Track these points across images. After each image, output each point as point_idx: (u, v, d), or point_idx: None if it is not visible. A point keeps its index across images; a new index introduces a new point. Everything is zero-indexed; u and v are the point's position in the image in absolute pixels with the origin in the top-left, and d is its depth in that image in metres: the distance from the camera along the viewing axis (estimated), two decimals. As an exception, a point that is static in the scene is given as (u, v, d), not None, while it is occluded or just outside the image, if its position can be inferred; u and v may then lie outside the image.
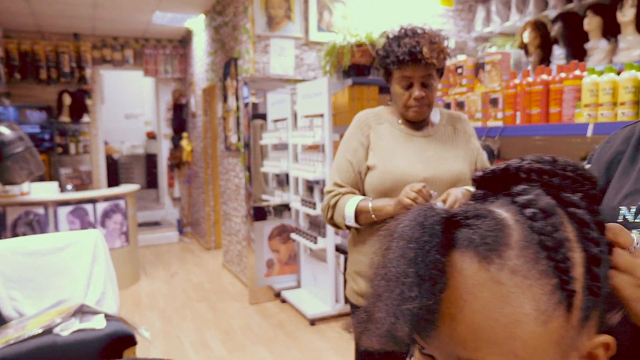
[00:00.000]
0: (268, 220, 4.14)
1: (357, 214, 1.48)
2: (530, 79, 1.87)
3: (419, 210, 0.43)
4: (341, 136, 3.55)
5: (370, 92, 3.52)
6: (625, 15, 2.65)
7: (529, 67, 2.33)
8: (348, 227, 1.54)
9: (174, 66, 7.20)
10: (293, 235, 3.91)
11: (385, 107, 1.62)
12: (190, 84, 6.97)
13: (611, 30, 2.83)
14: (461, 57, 2.46)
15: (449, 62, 2.33)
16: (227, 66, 4.86)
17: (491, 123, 2.04)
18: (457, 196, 1.34)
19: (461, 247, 0.41)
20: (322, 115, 3.43)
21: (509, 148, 2.29)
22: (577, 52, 3.02)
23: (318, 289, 3.79)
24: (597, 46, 2.89)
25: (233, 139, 4.85)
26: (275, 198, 4.24)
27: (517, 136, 2.19)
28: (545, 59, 3.22)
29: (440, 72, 1.52)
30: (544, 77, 1.82)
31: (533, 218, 0.41)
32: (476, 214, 0.42)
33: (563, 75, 1.76)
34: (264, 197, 4.31)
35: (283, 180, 4.30)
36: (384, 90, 3.62)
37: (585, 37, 2.93)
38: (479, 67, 2.15)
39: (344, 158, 1.57)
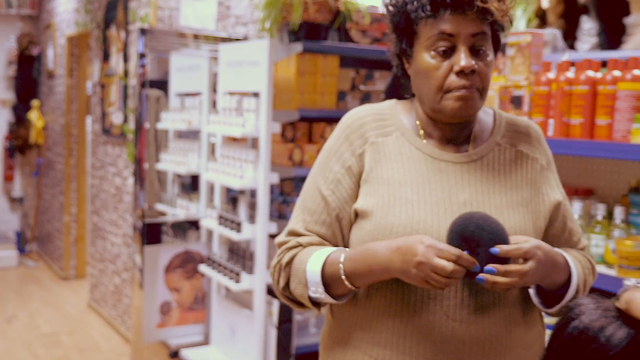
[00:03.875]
0: (165, 244, 4.05)
1: (327, 275, 1.30)
2: (570, 75, 1.93)
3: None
4: (283, 128, 3.53)
5: (328, 63, 3.52)
6: (682, -15, 2.81)
7: (566, 56, 2.41)
8: (316, 305, 1.36)
9: (23, -2, 6.94)
10: (203, 268, 3.84)
11: (398, 103, 1.44)
12: (47, 27, 6.73)
13: (661, 4, 2.99)
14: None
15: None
16: (112, 8, 4.73)
17: (511, 131, 2.10)
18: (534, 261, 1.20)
19: None
20: (257, 95, 3.39)
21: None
22: (613, 28, 3.16)
23: (237, 348, 3.75)
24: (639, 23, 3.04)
25: (116, 118, 4.73)
26: (177, 211, 4.16)
27: (548, 153, 2.25)
28: (569, 34, 3.36)
29: (498, 39, 1.34)
30: (590, 73, 1.89)
31: None
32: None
33: (617, 73, 1.83)
34: (160, 207, 4.23)
35: (190, 186, 4.23)
36: (346, 62, 3.63)
37: (625, 9, 3.08)
38: (497, 49, 2.21)
39: (316, 190, 1.39)
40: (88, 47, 5.72)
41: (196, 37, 4.03)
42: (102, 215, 5.18)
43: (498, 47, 1.35)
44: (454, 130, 1.36)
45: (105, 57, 4.94)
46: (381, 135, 1.37)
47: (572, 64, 2.01)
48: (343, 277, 1.28)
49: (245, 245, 3.62)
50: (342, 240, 1.39)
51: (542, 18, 3.48)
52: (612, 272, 1.87)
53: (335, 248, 1.35)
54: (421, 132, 1.38)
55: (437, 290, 1.25)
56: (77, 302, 5.59)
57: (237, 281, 3.47)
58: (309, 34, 3.46)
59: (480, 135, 1.39)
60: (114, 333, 4.79)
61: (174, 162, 4.10)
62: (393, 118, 1.40)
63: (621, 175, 2.12)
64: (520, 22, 3.56)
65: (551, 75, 1.98)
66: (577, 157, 2.20)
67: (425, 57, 1.29)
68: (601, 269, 1.92)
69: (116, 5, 4.62)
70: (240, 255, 3.66)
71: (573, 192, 2.14)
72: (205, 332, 4.16)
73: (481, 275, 1.17)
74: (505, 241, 1.19)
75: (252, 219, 3.42)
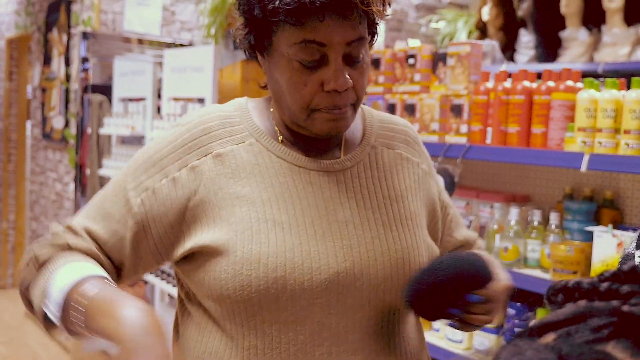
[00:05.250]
0: (107, 251, 3.98)
1: (70, 300, 0.97)
2: (508, 85, 1.99)
3: (530, 350, 0.45)
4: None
5: (274, 71, 3.54)
6: (613, 0, 2.93)
7: (504, 66, 2.49)
8: (47, 323, 1.03)
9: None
10: (145, 276, 3.79)
11: (249, 102, 1.17)
12: (-15, 29, 6.54)
13: (594, 18, 3.11)
14: (414, 43, 2.54)
15: (397, 47, 2.40)
16: (53, 10, 4.64)
17: (452, 138, 2.13)
18: None
19: None
20: (202, 101, 3.37)
21: (474, 175, 2.41)
22: (550, 41, 3.27)
23: (181, 357, 3.70)
24: (575, 36, 3.16)
25: (57, 122, 4.63)
26: (120, 217, 4.09)
27: (486, 160, 2.30)
28: (508, 46, 3.46)
29: (374, 30, 1.10)
30: (527, 84, 1.95)
31: None
32: (593, 358, 0.44)
33: (551, 84, 1.89)
34: (103, 214, 4.15)
35: (134, 191, 4.17)
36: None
37: (561, 23, 3.19)
38: (438, 58, 2.24)
39: (121, 191, 1.09)
40: (28, 50, 5.58)
41: (141, 42, 3.98)
42: (42, 221, 5.05)
43: (374, 36, 1.11)
44: (321, 140, 1.12)
45: (47, 60, 4.83)
46: (230, 142, 1.09)
47: (509, 75, 2.07)
48: (84, 308, 0.94)
49: (190, 252, 3.59)
50: (128, 264, 1.09)
51: (482, 30, 3.57)
52: (547, 276, 1.93)
53: (98, 273, 1.01)
54: (280, 137, 1.12)
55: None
56: (15, 311, 5.43)
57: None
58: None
59: (351, 138, 1.17)
60: (53, 343, 4.67)
61: (117, 168, 4.03)
62: (244, 121, 1.11)
63: (556, 182, 2.19)
64: (461, 34, 3.64)
65: (489, 84, 2.03)
66: (514, 164, 2.27)
67: (286, 67, 1.02)
68: (537, 273, 1.97)
69: (58, 8, 4.53)
70: (184, 262, 3.62)
71: (511, 198, 2.19)
72: (148, 340, 4.09)
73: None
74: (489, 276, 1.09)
75: (196, 225, 3.40)
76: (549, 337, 0.48)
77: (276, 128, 1.12)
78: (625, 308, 0.48)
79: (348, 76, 1.02)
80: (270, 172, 1.08)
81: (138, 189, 1.07)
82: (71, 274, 1.00)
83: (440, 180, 1.44)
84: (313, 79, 1.01)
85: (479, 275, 1.07)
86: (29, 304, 1.08)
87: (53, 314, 0.99)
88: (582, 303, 0.51)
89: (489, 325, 1.22)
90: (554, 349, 0.45)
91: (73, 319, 0.96)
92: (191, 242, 1.06)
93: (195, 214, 1.06)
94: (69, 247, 1.06)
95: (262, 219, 1.04)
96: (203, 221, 1.06)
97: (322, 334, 1.05)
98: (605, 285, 0.50)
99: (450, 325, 1.13)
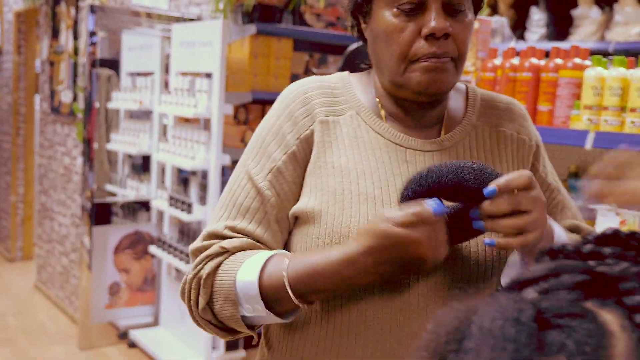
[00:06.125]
0: (115, 225, 4.02)
1: (266, 287, 1.00)
2: (515, 61, 1.99)
3: (507, 300, 0.46)
4: (236, 110, 3.52)
5: (282, 46, 3.52)
6: (626, -21, 2.91)
7: (512, 43, 2.47)
8: (251, 328, 1.06)
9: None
10: (153, 249, 3.83)
11: (351, 76, 1.17)
12: (-6, 2, 6.52)
13: (606, -3, 3.09)
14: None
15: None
16: (61, -17, 4.61)
17: (458, 115, 2.14)
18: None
19: (550, 354, 0.43)
20: (209, 76, 3.37)
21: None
22: (561, 19, 3.25)
23: (186, 330, 3.75)
24: (587, 15, 3.14)
25: (65, 96, 4.64)
26: (127, 192, 4.13)
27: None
28: (519, 24, 3.44)
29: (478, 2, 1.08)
30: (534, 61, 1.94)
31: None
32: (571, 312, 0.45)
33: (559, 61, 1.89)
34: (110, 188, 4.19)
35: (141, 166, 4.20)
36: (300, 45, 3.63)
37: (573, 1, 3.17)
38: (446, 35, 2.25)
39: (248, 181, 1.09)
40: (37, 24, 5.57)
41: (149, 16, 3.97)
42: (50, 195, 5.09)
43: (480, 4, 1.08)
44: (421, 111, 1.10)
45: (55, 34, 4.83)
46: (332, 113, 1.10)
47: (518, 52, 2.07)
48: (288, 289, 0.97)
49: (196, 227, 3.62)
50: (282, 243, 1.10)
51: (493, 7, 3.55)
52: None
53: (274, 251, 1.05)
54: (382, 112, 1.11)
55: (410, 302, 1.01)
56: (23, 283, 5.49)
57: (187, 262, 3.46)
58: (263, 16, 3.45)
59: (453, 117, 1.13)
60: (62, 314, 4.73)
61: (124, 142, 4.06)
62: (346, 93, 1.12)
63: (562, 160, 2.20)
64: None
65: (497, 61, 2.03)
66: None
67: (386, 16, 1.02)
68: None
69: (66, -19, 4.52)
70: (190, 237, 3.65)
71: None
72: (155, 313, 4.15)
73: (490, 239, 0.93)
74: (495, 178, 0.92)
75: (203, 200, 3.42)
76: (529, 293, 0.50)
77: (378, 100, 1.12)
78: (600, 268, 0.49)
79: (447, 24, 0.99)
80: (367, 146, 1.07)
81: (263, 172, 1.07)
82: (250, 268, 1.01)
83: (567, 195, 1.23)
84: (411, 26, 1.00)
85: (483, 168, 0.93)
86: (210, 325, 1.08)
87: (255, 311, 1.01)
88: (555, 262, 0.52)
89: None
90: (532, 302, 0.46)
91: (278, 301, 1.00)
92: (296, 206, 1.08)
93: (306, 180, 1.08)
94: (227, 251, 1.05)
95: (355, 191, 1.04)
96: (306, 187, 1.08)
97: (405, 314, 1.02)
98: (588, 247, 0.51)
99: (487, 243, 0.94)
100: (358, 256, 0.93)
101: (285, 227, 1.09)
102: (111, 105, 4.13)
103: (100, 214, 3.99)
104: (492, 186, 0.90)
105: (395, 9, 1.01)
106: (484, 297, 0.48)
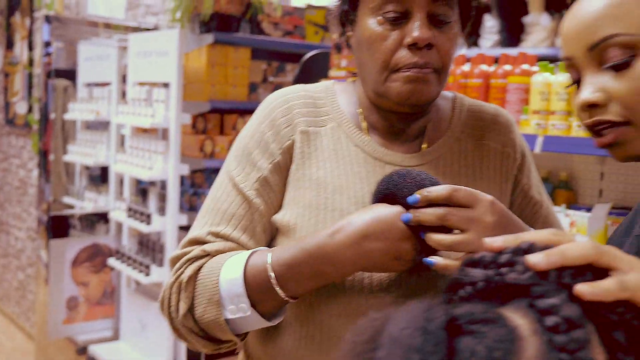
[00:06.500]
0: (72, 237, 3.96)
1: (251, 283, 0.97)
2: (466, 68, 2.02)
3: (418, 309, 0.47)
4: (194, 119, 3.51)
5: (239, 55, 3.53)
6: (574, -13, 2.99)
7: (463, 50, 2.52)
8: (238, 336, 1.03)
9: None
10: (112, 262, 3.78)
11: (336, 84, 1.15)
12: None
13: (556, 3, 3.16)
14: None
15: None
16: (15, -7, 4.55)
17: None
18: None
19: None
20: (167, 85, 3.35)
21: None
22: (513, 26, 3.32)
23: (147, 343, 3.71)
24: (537, 22, 3.21)
25: (20, 108, 4.57)
26: (85, 203, 4.08)
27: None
28: (473, 31, 3.50)
29: (468, 5, 1.06)
30: (484, 67, 1.98)
31: (554, 329, 0.46)
32: (483, 318, 0.46)
33: (508, 67, 1.93)
34: (67, 200, 4.14)
35: (99, 178, 4.15)
36: (258, 54, 3.64)
37: (524, 9, 3.24)
38: (399, 43, 2.29)
39: (233, 188, 1.07)
40: (-9, 35, 5.49)
41: (105, 26, 3.94)
42: (6, 208, 5.00)
43: (468, 16, 1.07)
44: (403, 122, 1.08)
45: (9, 44, 4.76)
46: (313, 123, 1.08)
47: (468, 59, 2.11)
48: (273, 280, 0.95)
49: (156, 238, 3.58)
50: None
51: (448, 15, 3.62)
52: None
53: (256, 249, 1.02)
54: (363, 123, 1.09)
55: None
56: (-21, 300, 5.36)
57: (147, 274, 3.43)
58: (220, 25, 3.45)
59: (436, 128, 1.10)
60: (18, 331, 4.64)
61: (82, 153, 4.01)
62: (329, 104, 1.10)
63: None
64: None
65: (448, 68, 2.07)
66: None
67: (370, 24, 1.01)
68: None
69: (20, -9, 4.47)
70: (150, 248, 3.61)
71: (470, 181, 2.25)
72: (115, 327, 4.08)
73: (430, 259, 0.90)
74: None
75: (162, 210, 3.39)
76: (446, 301, 0.51)
77: (360, 111, 1.09)
78: (510, 275, 0.51)
79: (431, 34, 0.98)
80: (346, 159, 1.05)
81: (249, 180, 1.05)
82: (233, 265, 0.98)
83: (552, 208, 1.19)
84: (394, 35, 0.99)
85: (423, 179, 0.91)
86: (192, 333, 1.03)
87: (240, 311, 0.97)
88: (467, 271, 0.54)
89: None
90: (446, 310, 0.47)
91: (264, 298, 0.96)
92: (275, 217, 1.06)
93: (286, 191, 1.07)
94: (208, 255, 1.03)
95: (330, 207, 1.02)
96: (285, 198, 1.06)
97: None
98: (504, 257, 0.53)
99: (425, 262, 0.91)
100: (335, 244, 0.92)
101: (270, 236, 1.08)
102: (67, 116, 4.07)
103: (57, 226, 3.92)
104: (416, 195, 0.90)
105: (380, 17, 1.00)
106: (400, 307, 0.49)
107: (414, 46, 0.98)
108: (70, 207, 4.11)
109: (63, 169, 4.17)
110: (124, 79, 3.85)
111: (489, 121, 1.13)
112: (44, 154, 3.99)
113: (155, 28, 3.83)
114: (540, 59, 1.99)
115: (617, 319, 0.49)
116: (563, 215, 1.81)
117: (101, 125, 4.01)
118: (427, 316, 0.46)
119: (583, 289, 0.49)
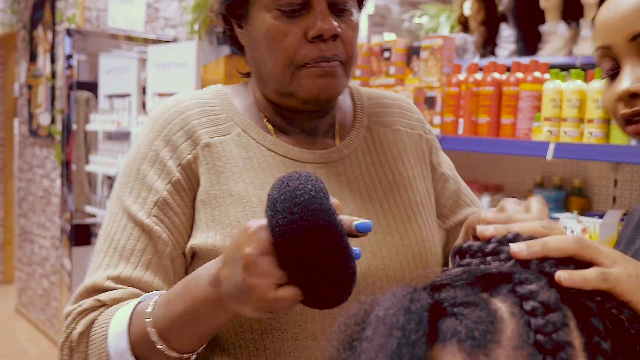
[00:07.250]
0: (94, 246, 4.01)
1: (135, 337, 0.84)
2: (478, 76, 2.04)
3: (403, 292, 0.49)
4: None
5: (257, 66, 3.57)
6: (590, -6, 2.98)
7: (476, 59, 2.54)
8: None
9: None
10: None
11: (226, 88, 1.05)
12: (-28, 27, 6.52)
13: (573, 12, 3.16)
14: (389, 37, 2.58)
15: (373, 41, 2.44)
16: (38, 8, 4.64)
17: (426, 130, 2.19)
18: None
19: (443, 340, 0.47)
20: (185, 96, 3.41)
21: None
22: (530, 35, 3.32)
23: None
24: (554, 30, 3.21)
25: (44, 119, 4.64)
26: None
27: (459, 151, 2.35)
28: (489, 40, 3.51)
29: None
30: (496, 75, 2.00)
31: (532, 313, 0.48)
32: (466, 301, 0.49)
33: (520, 75, 1.94)
34: (90, 210, 4.18)
35: (120, 187, 4.19)
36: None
37: (541, 17, 3.25)
38: (412, 52, 2.28)
39: (128, 219, 0.93)
40: (15, 48, 5.58)
41: (126, 38, 4.01)
42: (30, 218, 5.07)
43: (363, 3, 1.01)
44: (311, 121, 1.00)
45: (32, 58, 4.84)
46: (215, 133, 0.96)
47: (480, 68, 2.13)
48: (154, 338, 0.81)
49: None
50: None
51: (464, 25, 3.62)
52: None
53: (149, 293, 0.89)
54: (269, 126, 0.99)
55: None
56: (4, 307, 5.44)
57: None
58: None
59: (344, 122, 1.05)
60: (42, 337, 4.69)
61: (103, 163, 4.06)
62: (227, 109, 0.99)
63: (527, 171, 2.25)
64: (444, 29, 3.69)
65: (461, 77, 2.08)
66: (487, 155, 2.32)
67: (265, 19, 0.91)
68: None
69: (43, 5, 4.54)
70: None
71: (484, 188, 2.25)
72: (136, 334, 4.13)
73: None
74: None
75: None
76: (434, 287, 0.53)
77: (261, 114, 1.00)
78: (494, 265, 0.53)
79: (336, 24, 0.91)
80: (262, 166, 0.96)
81: (146, 205, 0.93)
82: (121, 317, 0.85)
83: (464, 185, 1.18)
84: (295, 29, 0.91)
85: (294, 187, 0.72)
86: None
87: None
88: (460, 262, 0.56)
89: None
90: (431, 294, 0.50)
91: (152, 354, 0.83)
92: (193, 242, 0.94)
93: (199, 212, 0.94)
94: (104, 305, 0.89)
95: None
96: (200, 220, 0.94)
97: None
98: (490, 246, 0.55)
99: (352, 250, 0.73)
100: (221, 287, 0.76)
101: (180, 264, 0.94)
102: (89, 127, 4.13)
103: (80, 235, 3.98)
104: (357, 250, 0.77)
105: (275, 11, 0.91)
106: (388, 291, 0.52)
107: (318, 38, 0.91)
108: (93, 216, 4.16)
109: (85, 178, 4.22)
110: (143, 90, 3.90)
111: (393, 106, 1.09)
112: (66, 164, 4.06)
113: (174, 40, 3.89)
114: (557, 67, 2.00)
115: (595, 307, 0.51)
116: (575, 221, 1.81)
117: (122, 136, 4.06)
118: (412, 298, 0.49)
119: (562, 275, 0.51)
